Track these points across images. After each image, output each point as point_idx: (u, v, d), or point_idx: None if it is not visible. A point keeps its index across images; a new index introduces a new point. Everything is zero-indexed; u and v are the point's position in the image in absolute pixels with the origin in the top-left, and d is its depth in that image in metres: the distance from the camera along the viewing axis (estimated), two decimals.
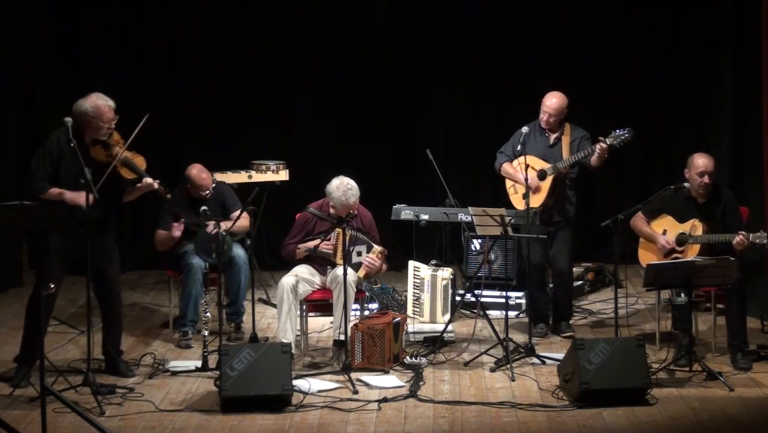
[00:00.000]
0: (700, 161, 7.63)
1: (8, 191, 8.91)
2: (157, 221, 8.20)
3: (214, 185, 8.23)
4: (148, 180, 7.22)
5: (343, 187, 7.61)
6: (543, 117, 8.14)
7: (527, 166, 7.72)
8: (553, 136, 8.19)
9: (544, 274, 8.36)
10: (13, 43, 10.05)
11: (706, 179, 7.61)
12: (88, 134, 7.08)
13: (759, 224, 8.88)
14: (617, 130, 7.89)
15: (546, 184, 8.07)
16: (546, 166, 8.08)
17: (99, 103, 7.07)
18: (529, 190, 7.69)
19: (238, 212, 7.94)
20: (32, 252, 7.61)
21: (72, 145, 6.85)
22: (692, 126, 10.67)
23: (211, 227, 7.80)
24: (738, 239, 7.40)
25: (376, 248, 7.66)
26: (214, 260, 7.69)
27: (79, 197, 6.89)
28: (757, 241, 7.38)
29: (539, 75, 10.30)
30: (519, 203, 8.15)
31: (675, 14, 10.56)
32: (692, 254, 7.54)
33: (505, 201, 8.37)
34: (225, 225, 7.75)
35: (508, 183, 8.32)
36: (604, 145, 7.87)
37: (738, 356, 7.41)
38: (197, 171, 8.18)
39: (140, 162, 7.25)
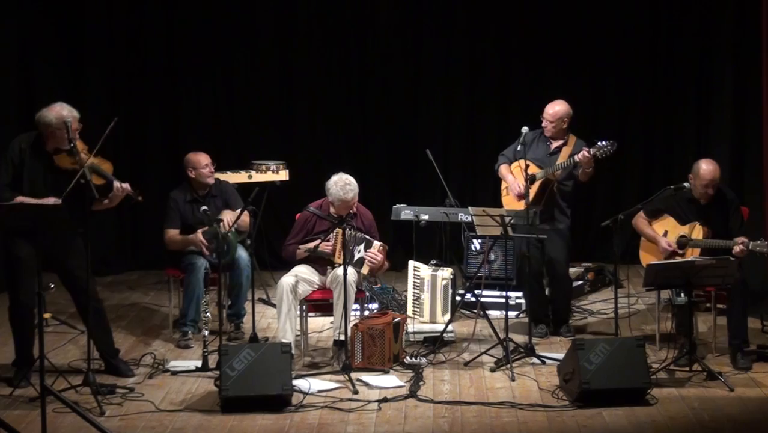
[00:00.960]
0: (706, 171, 7.51)
1: None
2: (163, 220, 8.14)
3: (215, 171, 8.22)
4: (121, 185, 7.12)
5: (341, 183, 7.60)
6: (543, 124, 8.16)
7: (527, 166, 7.73)
8: (554, 145, 8.18)
9: (542, 275, 8.35)
10: (13, 40, 10.03)
11: (710, 190, 7.54)
12: (51, 143, 6.99)
13: (758, 224, 8.88)
14: (601, 141, 7.87)
15: (533, 189, 8.03)
16: (537, 171, 8.07)
17: (64, 113, 6.96)
18: (527, 193, 7.69)
19: (239, 210, 7.92)
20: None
21: (72, 145, 6.84)
22: (692, 126, 10.67)
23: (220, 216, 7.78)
24: (738, 248, 7.33)
25: (377, 243, 7.65)
26: (218, 259, 7.68)
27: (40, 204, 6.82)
28: (758, 249, 7.32)
29: (539, 76, 10.31)
30: (510, 205, 8.16)
31: (675, 14, 10.56)
32: (693, 255, 7.50)
33: None
34: (228, 219, 7.76)
35: (503, 185, 8.33)
36: (587, 154, 7.86)
37: (738, 356, 7.39)
38: (194, 153, 8.16)
39: (108, 168, 7.17)
